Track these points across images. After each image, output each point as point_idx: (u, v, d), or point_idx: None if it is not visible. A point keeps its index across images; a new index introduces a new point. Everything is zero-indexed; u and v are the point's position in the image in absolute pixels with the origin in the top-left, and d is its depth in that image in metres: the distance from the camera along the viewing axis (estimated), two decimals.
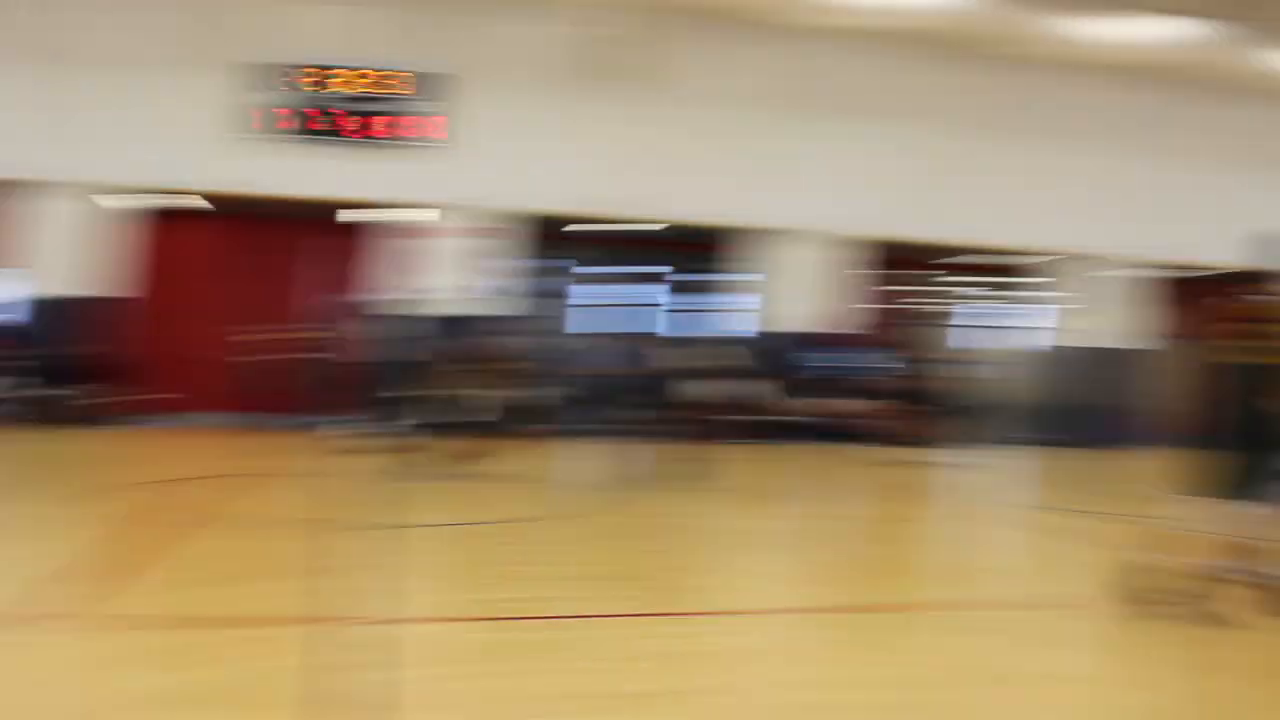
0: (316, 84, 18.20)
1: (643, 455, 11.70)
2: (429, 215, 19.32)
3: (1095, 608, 6.46)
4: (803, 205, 20.23)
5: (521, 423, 18.12)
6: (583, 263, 22.72)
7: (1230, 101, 22.53)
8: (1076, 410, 19.19)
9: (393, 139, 18.49)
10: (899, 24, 19.80)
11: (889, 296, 22.85)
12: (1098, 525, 10.20)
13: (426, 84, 18.57)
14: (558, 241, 21.64)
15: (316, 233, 20.08)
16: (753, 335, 20.41)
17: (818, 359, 20.53)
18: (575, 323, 22.19)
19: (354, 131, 18.30)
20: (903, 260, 22.94)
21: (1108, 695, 4.55)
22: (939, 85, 20.70)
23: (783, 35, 20.07)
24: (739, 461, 15.82)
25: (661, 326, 22.70)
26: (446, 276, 18.66)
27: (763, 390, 19.86)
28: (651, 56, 19.16)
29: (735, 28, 19.85)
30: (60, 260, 17.71)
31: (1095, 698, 4.53)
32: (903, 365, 22.28)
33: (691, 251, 22.92)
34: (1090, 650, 5.54)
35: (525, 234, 19.29)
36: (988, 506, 11.49)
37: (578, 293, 22.57)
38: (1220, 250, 22.80)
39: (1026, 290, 25.65)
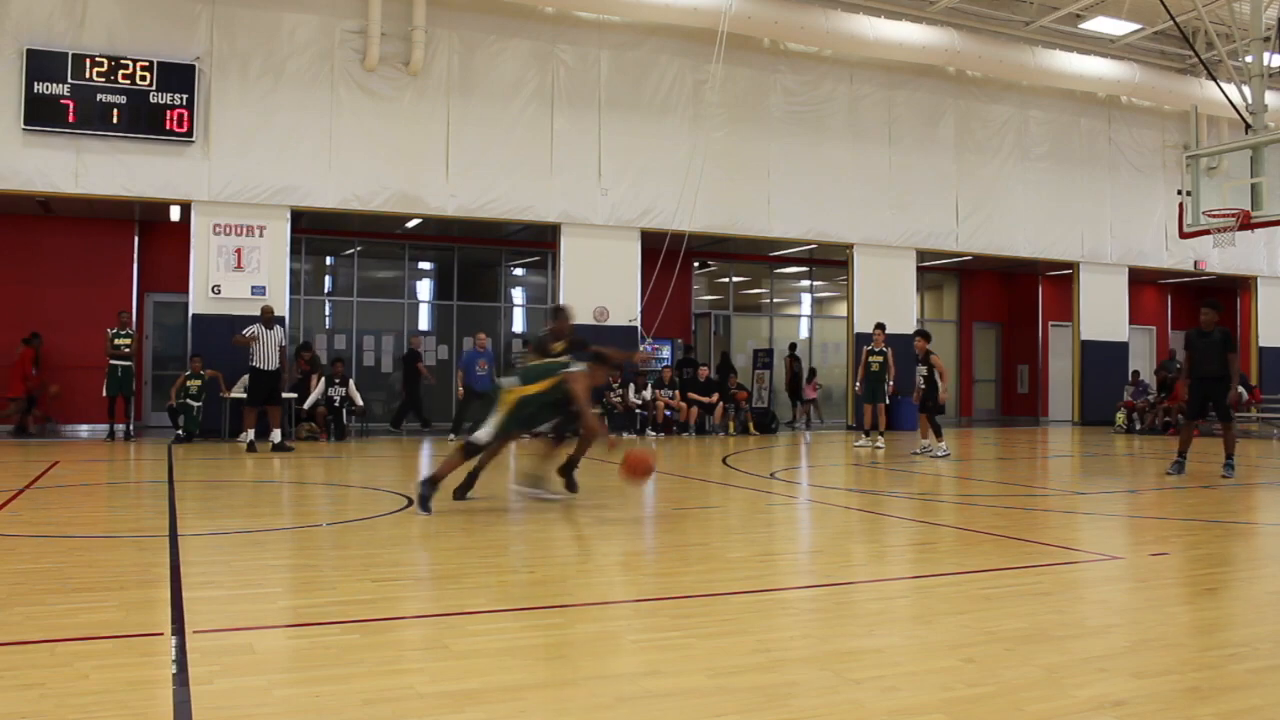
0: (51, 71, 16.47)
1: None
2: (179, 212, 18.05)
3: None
4: (590, 198, 19.80)
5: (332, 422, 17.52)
6: (360, 259, 21.90)
7: (1002, 98, 23.56)
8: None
9: (134, 131, 16.84)
10: (684, 20, 19.56)
11: (685, 289, 22.83)
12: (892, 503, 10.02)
13: (171, 74, 17.01)
14: (319, 238, 20.81)
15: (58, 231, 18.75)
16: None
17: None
18: (358, 320, 21.38)
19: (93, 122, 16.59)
20: (703, 252, 22.98)
21: (927, 663, 4.33)
22: (731, 80, 20.50)
23: (562, 26, 19.57)
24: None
25: (444, 322, 22.14)
26: (207, 276, 17.45)
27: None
28: (423, 48, 18.33)
29: (507, 19, 19.17)
30: None
31: (919, 667, 4.29)
32: (694, 356, 22.42)
33: (478, 246, 22.40)
34: (908, 623, 5.27)
35: (284, 231, 17.99)
36: (791, 491, 11.26)
37: (344, 290, 21.71)
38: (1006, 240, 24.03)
39: (820, 280, 26.14)
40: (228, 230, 17.41)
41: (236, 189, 17.36)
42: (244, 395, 16.94)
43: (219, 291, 17.33)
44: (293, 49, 17.76)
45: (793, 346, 24.29)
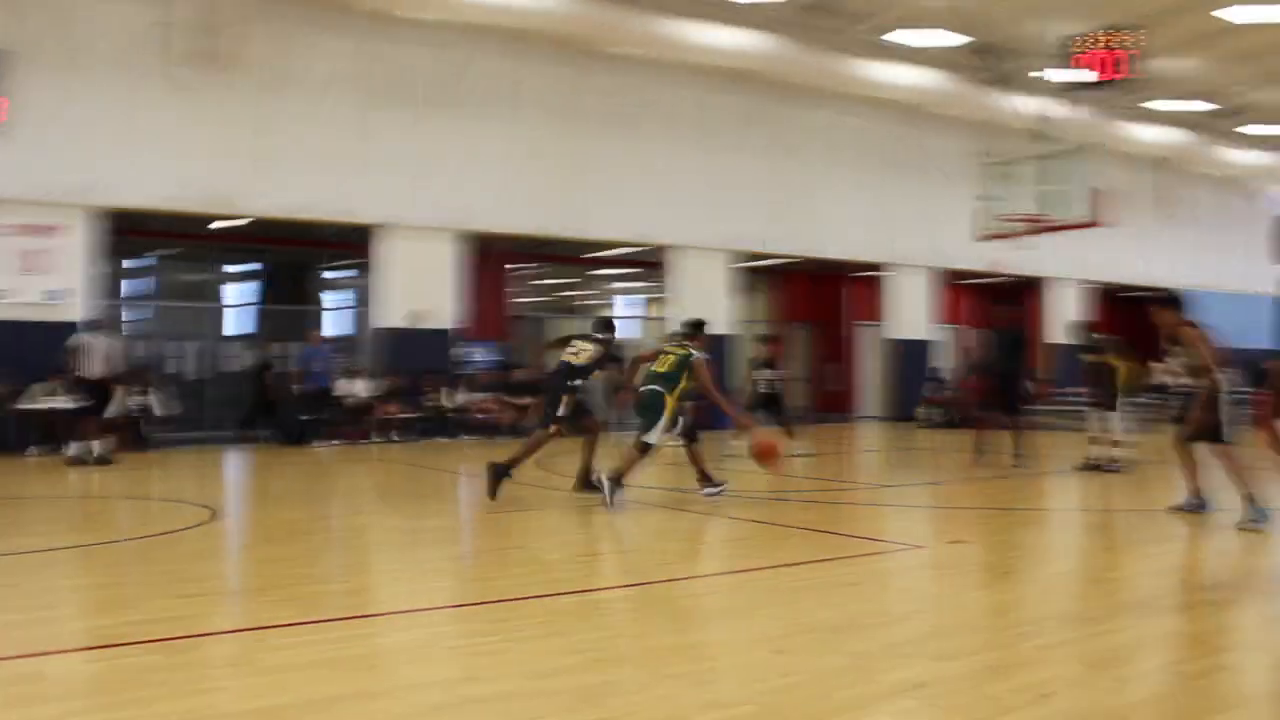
0: None
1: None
2: None
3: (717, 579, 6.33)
4: (406, 199, 19.48)
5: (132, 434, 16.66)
6: (166, 261, 21.04)
7: (814, 104, 24.25)
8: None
9: None
10: (503, 20, 19.44)
11: (502, 291, 22.73)
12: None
13: None
14: (136, 239, 19.91)
15: None
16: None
17: (462, 355, 20.40)
18: (163, 326, 20.54)
19: None
20: (520, 254, 22.87)
21: (740, 656, 4.43)
22: (550, 82, 20.57)
23: (379, 23, 19.18)
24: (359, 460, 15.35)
25: (254, 326, 21.52)
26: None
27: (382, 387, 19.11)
28: (234, 41, 17.69)
29: (321, 13, 18.72)
30: None
31: (732, 661, 4.39)
32: (513, 359, 22.29)
33: (290, 249, 21.79)
34: (721, 618, 5.38)
35: (99, 231, 17.08)
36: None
37: (160, 294, 20.86)
38: (819, 242, 24.72)
39: (638, 282, 26.39)
40: (21, 230, 16.43)
41: (27, 186, 16.38)
42: (33, 406, 16.07)
43: (6, 296, 16.33)
44: (91, 37, 16.86)
45: (618, 347, 24.32)
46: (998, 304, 13.25)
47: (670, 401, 9.33)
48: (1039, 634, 4.73)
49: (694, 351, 9.66)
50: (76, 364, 14.18)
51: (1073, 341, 12.52)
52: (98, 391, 14.50)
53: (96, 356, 14.31)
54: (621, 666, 4.30)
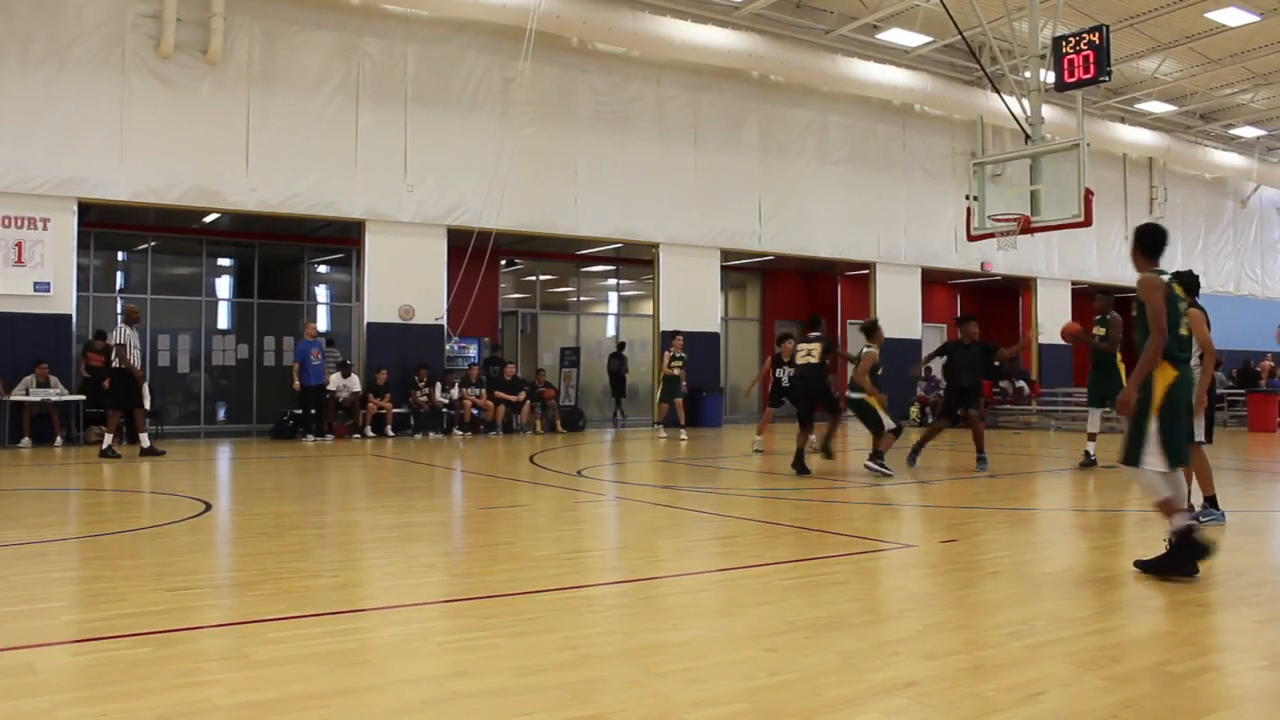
0: None
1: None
2: None
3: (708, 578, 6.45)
4: (397, 195, 19.44)
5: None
6: (141, 255, 20.91)
7: (804, 103, 24.27)
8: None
9: None
10: (493, 17, 19.39)
11: (493, 287, 22.70)
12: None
13: None
14: (111, 232, 19.80)
15: None
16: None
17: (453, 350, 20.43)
18: (152, 319, 20.41)
19: None
20: (511, 251, 22.83)
21: (731, 653, 4.43)
22: (540, 79, 20.47)
23: (369, 19, 19.13)
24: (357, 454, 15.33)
25: (230, 322, 21.44)
26: None
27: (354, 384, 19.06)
28: (208, 35, 17.58)
29: (311, 9, 18.61)
30: None
31: (723, 659, 4.38)
32: (501, 354, 22.29)
33: (280, 243, 21.73)
34: (712, 615, 5.38)
35: (70, 224, 17.00)
36: (592, 487, 11.32)
37: (138, 287, 20.73)
38: (802, 240, 24.71)
39: (627, 279, 26.34)
40: (6, 222, 16.38)
41: (16, 178, 16.32)
42: (29, 398, 16.01)
43: None
44: (80, 31, 16.81)
45: (621, 345, 24.15)
46: (965, 319, 13.47)
47: (870, 400, 11.96)
48: (1029, 633, 4.73)
49: (866, 347, 12.20)
50: (120, 358, 14.15)
51: (1097, 314, 12.77)
52: (136, 384, 14.58)
53: (135, 350, 14.36)
54: (611, 663, 4.29)
